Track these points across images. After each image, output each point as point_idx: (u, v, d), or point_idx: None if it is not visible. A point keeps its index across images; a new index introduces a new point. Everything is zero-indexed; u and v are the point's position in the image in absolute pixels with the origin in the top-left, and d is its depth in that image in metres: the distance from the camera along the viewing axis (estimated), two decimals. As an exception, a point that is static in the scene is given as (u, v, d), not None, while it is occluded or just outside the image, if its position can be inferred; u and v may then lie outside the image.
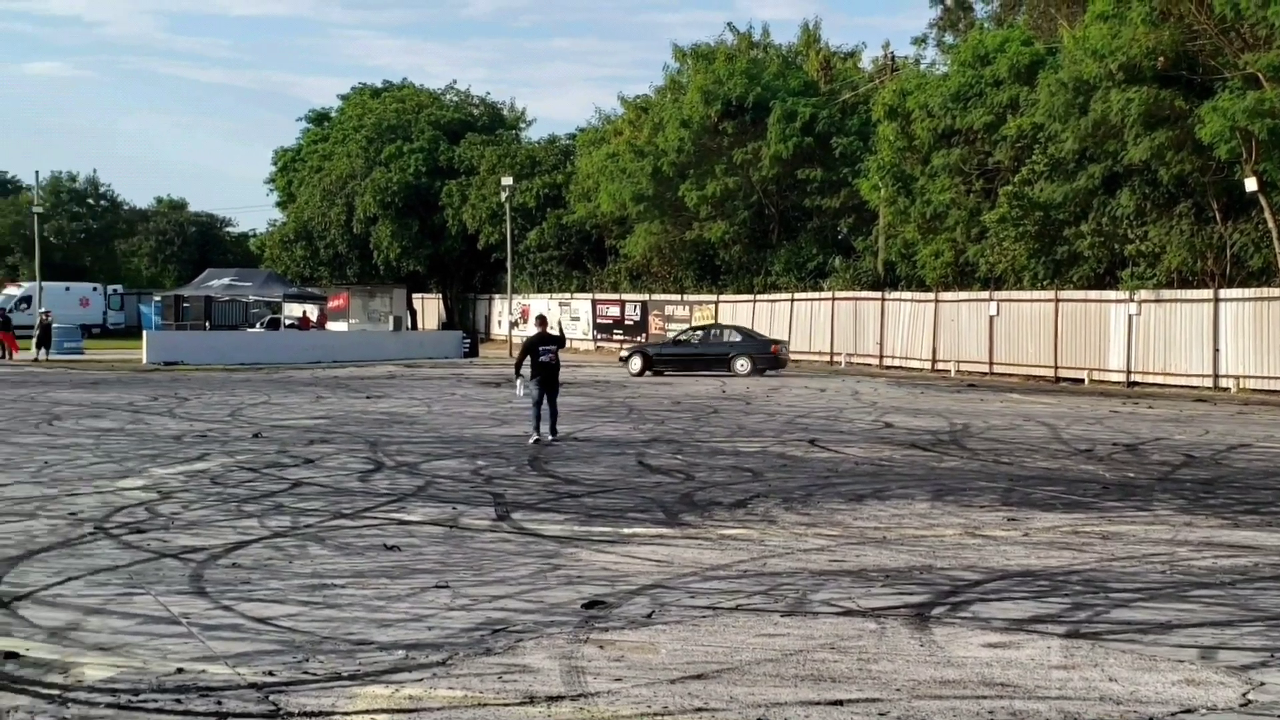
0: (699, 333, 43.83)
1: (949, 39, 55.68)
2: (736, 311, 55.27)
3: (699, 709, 7.35)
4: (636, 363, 42.16)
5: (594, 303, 64.25)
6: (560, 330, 24.37)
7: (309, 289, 68.71)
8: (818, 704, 7.46)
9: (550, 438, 22.25)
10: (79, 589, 10.43)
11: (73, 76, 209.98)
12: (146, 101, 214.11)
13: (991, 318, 43.46)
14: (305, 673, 8.05)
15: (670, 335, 47.38)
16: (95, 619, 9.43)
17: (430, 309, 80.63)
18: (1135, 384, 38.65)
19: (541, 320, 23.76)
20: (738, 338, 42.49)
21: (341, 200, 72.46)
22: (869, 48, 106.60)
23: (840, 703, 7.48)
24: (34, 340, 51.17)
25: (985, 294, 44.32)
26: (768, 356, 41.84)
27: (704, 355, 41.99)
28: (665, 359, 42.50)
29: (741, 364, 41.09)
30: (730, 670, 8.12)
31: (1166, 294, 38.37)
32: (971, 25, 53.09)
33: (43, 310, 54.76)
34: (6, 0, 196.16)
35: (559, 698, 7.53)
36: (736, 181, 55.10)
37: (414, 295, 75.78)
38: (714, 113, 54.76)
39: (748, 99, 54.23)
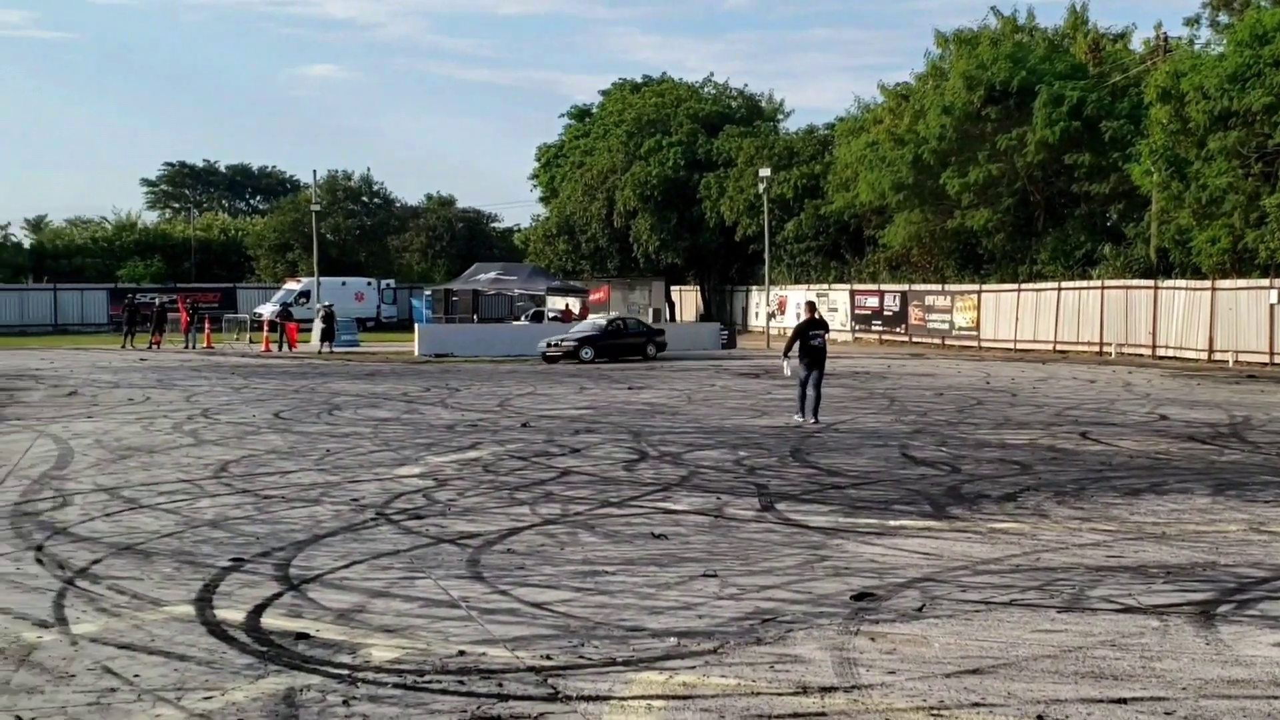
0: (615, 324, 47.92)
1: (1223, 18, 53.29)
2: (1000, 301, 54.05)
3: (976, 704, 7.22)
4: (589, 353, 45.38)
5: (852, 293, 63.67)
6: (816, 315, 25.09)
7: (571, 282, 69.96)
8: (1100, 702, 7.25)
9: (813, 422, 22.88)
10: (363, 572, 10.85)
11: (347, 78, 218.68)
12: (416, 101, 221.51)
13: (1272, 306, 41.43)
14: (581, 657, 8.20)
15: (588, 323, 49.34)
16: (379, 601, 9.79)
17: (688, 301, 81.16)
18: None
19: (811, 307, 24.99)
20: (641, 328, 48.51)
21: (602, 194, 73.53)
22: (1140, 29, 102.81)
23: (1124, 701, 7.25)
24: (318, 333, 53.35)
25: (1265, 281, 42.27)
26: (661, 342, 48.25)
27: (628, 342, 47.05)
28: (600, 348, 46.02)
29: (651, 349, 47.01)
30: (1006, 666, 7.95)
31: None
32: (1248, 4, 50.70)
33: (326, 304, 57.04)
34: (287, 5, 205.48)
35: (832, 689, 7.49)
36: (1000, 168, 53.84)
37: (672, 287, 76.41)
38: (977, 98, 53.64)
39: (1012, 83, 52.94)
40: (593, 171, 75.67)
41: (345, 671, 7.95)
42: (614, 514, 13.82)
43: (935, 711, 7.08)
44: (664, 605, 9.61)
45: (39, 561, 11.31)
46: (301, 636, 8.76)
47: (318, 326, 54.61)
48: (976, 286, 56.37)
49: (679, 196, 71.95)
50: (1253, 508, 14.11)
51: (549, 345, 45.49)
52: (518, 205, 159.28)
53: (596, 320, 49.22)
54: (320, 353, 50.70)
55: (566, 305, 64.07)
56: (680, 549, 11.83)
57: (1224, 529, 12.78)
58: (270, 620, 9.23)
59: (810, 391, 23.57)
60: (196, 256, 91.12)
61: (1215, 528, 12.86)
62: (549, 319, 62.60)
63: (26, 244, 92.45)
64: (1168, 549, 11.74)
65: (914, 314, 58.54)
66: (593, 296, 67.06)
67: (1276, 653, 8.19)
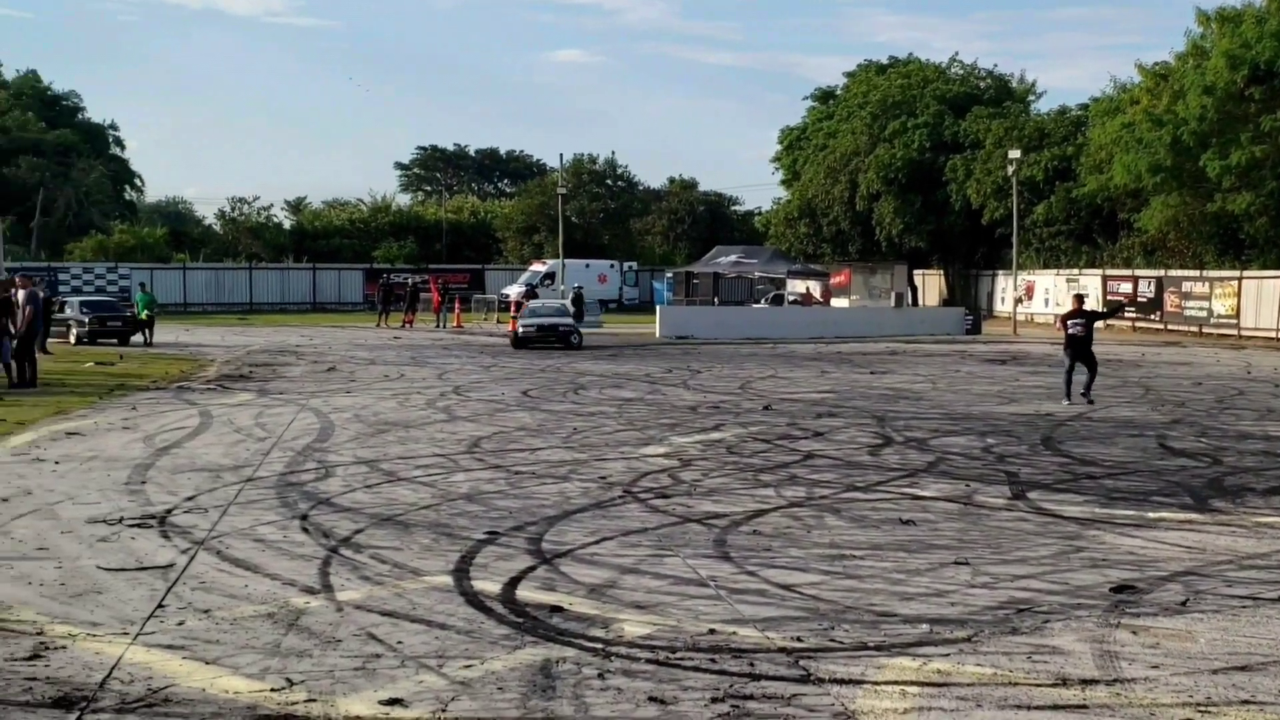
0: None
1: None
2: (1262, 289, 51.70)
3: (1245, 701, 6.94)
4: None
5: (1104, 279, 61.70)
6: (1084, 306, 26.21)
7: (811, 266, 69.62)
8: (1383, 710, 6.88)
9: (1084, 398, 24.22)
10: (613, 549, 11.01)
11: (592, 63, 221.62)
12: (660, 85, 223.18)
13: None
14: (832, 640, 8.16)
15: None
16: (630, 578, 9.92)
17: (931, 285, 79.82)
18: None
19: (1078, 299, 26.31)
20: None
21: (845, 177, 72.87)
22: None
23: None
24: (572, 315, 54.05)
25: None
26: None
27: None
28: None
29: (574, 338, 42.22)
30: (1277, 663, 7.62)
31: None
32: None
33: (575, 285, 57.81)
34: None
35: (1093, 681, 7.29)
36: (1264, 150, 51.39)
37: (914, 272, 75.26)
38: (1240, 78, 51.33)
39: (1277, 63, 50.52)
40: (836, 154, 75.04)
41: (599, 645, 8.08)
42: (860, 499, 13.73)
43: (1202, 708, 6.83)
44: (914, 591, 9.50)
45: (305, 530, 11.79)
46: (555, 610, 8.94)
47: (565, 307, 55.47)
48: (1237, 273, 54.06)
49: (924, 179, 70.80)
50: None
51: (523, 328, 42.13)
52: (759, 188, 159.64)
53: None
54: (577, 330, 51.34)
55: (807, 289, 63.83)
56: (929, 535, 11.68)
57: None
58: (525, 593, 9.44)
59: (1079, 376, 24.62)
60: (447, 238, 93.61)
61: None
62: (789, 303, 62.44)
63: (287, 225, 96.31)
64: None
65: (1170, 300, 56.48)
66: (833, 280, 66.66)
67: None
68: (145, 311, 43.17)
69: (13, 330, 25.95)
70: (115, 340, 41.35)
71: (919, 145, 70.85)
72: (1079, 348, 24.57)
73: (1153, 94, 57.67)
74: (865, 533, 11.81)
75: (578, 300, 53.82)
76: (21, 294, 27.15)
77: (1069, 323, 24.95)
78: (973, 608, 9.00)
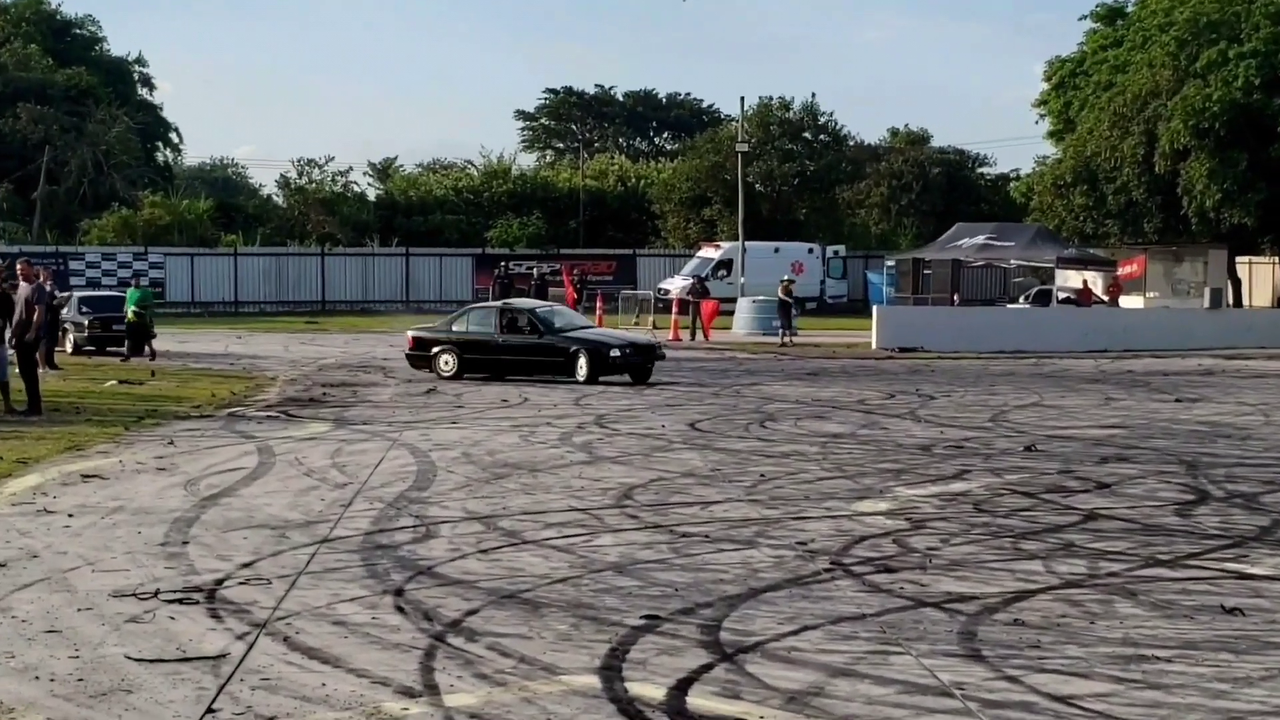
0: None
1: None
2: None
3: None
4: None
5: None
6: None
7: (1091, 250, 68.76)
8: None
9: None
10: (818, 641, 11.00)
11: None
12: (879, 4, 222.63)
13: None
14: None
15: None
16: (842, 683, 9.90)
17: (1261, 278, 78.37)
18: None
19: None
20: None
21: (1139, 128, 71.83)
22: None
23: None
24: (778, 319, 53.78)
25: None
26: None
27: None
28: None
29: (581, 365, 34.98)
30: None
31: None
32: None
33: (786, 278, 57.75)
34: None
35: None
36: None
37: (1237, 259, 73.96)
38: None
39: None
40: (1126, 95, 74.08)
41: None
42: (1164, 576, 13.55)
43: None
44: (1245, 709, 9.35)
45: (400, 610, 11.96)
46: (741, 726, 8.99)
47: (743, 305, 55.52)
48: None
49: (1252, 130, 69.49)
50: None
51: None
52: (1017, 143, 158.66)
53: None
54: (782, 343, 51.37)
55: (1085, 283, 63.08)
56: (1264, 630, 11.49)
57: None
58: (699, 700, 9.47)
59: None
60: (586, 213, 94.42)
61: None
62: (1059, 301, 61.78)
63: (372, 196, 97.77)
64: None
65: None
66: (1123, 270, 65.77)
67: None
68: (135, 312, 40.95)
69: (8, 336, 26.40)
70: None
71: (1244, 83, 69.58)
72: None
73: None
74: (1173, 625, 11.65)
75: (786, 301, 53.48)
76: (24, 288, 27.94)
77: None
78: (1328, 734, 8.82)
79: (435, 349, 36.23)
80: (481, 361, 36.09)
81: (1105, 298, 62.71)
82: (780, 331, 52.73)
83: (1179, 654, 10.73)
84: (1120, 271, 65.79)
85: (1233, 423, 27.41)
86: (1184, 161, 69.58)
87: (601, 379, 34.73)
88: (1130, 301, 63.84)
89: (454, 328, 37.13)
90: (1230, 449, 23.49)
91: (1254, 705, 9.43)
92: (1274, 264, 77.06)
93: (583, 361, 34.90)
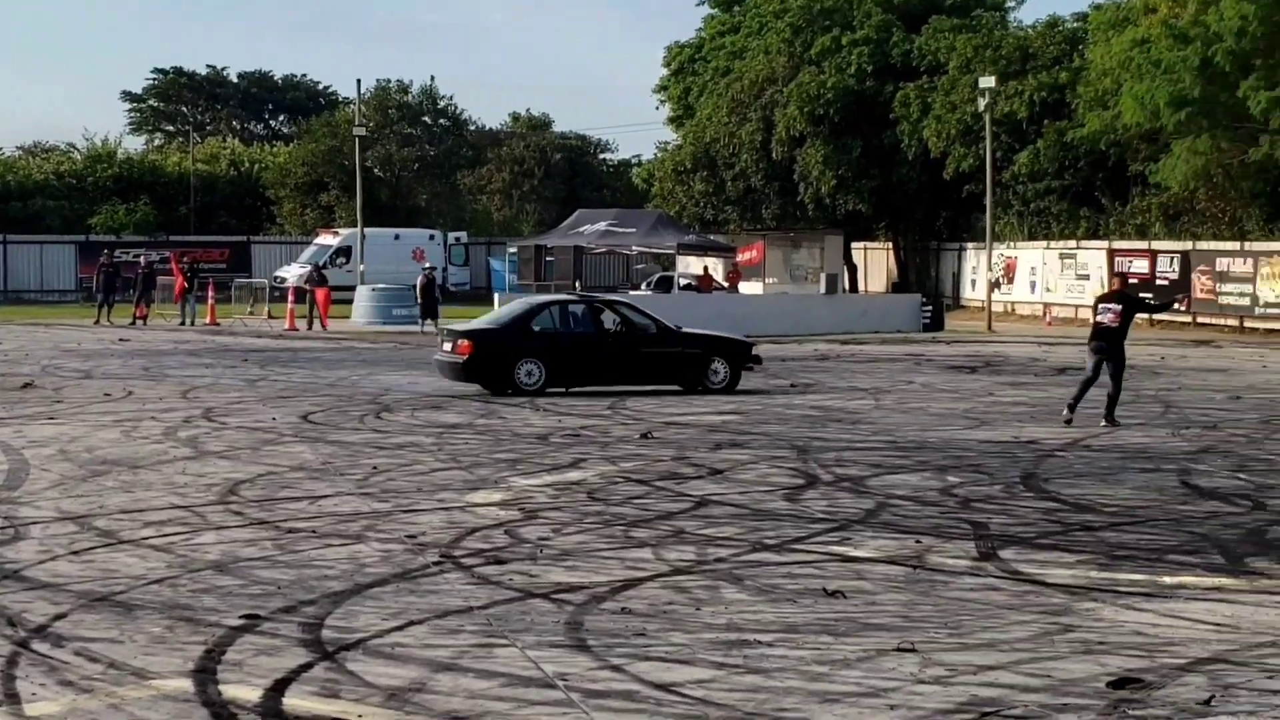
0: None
1: None
2: (1323, 266, 53.13)
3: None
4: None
5: (1110, 254, 62.84)
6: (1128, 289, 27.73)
7: (712, 237, 69.99)
8: None
9: (1103, 425, 24.71)
10: (423, 636, 10.99)
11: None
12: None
13: None
14: (724, 761, 8.23)
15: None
16: (445, 678, 9.91)
17: (876, 263, 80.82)
18: None
19: (1121, 279, 28.72)
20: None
21: (756, 114, 73.36)
22: None
23: None
24: (418, 308, 53.27)
25: None
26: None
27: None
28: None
29: (717, 369, 31.35)
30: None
31: None
32: None
33: (427, 267, 57.34)
34: None
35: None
36: (1325, 76, 52.89)
37: (854, 245, 76.11)
38: (1293, -24, 52.82)
39: (1343, -45, 52.05)
40: (744, 82, 75.57)
41: (398, 774, 8.07)
42: (770, 561, 13.85)
43: None
44: (841, 690, 9.61)
45: (-17, 615, 11.60)
46: (338, 724, 8.93)
47: (363, 294, 55.11)
48: (1291, 245, 55.44)
49: (865, 117, 71.55)
50: None
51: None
52: (638, 129, 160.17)
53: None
54: (422, 332, 51.03)
55: (705, 269, 64.21)
56: (864, 612, 11.82)
57: None
58: (296, 701, 9.39)
59: (1107, 389, 25.10)
60: (198, 199, 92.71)
61: None
62: (680, 288, 62.72)
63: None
64: None
65: (1200, 283, 57.74)
66: (742, 256, 67.11)
67: None
68: None
69: None
70: None
71: (858, 69, 71.59)
72: (1108, 343, 25.08)
73: (1175, 0, 58.87)
74: (776, 609, 11.91)
75: (428, 288, 53.12)
76: None
77: (1100, 306, 25.70)
78: (920, 711, 9.12)
79: (511, 354, 30.27)
80: (580, 370, 30.83)
81: (726, 284, 63.83)
82: (421, 321, 52.47)
83: (781, 638, 10.98)
84: (740, 258, 67.09)
85: (845, 407, 28.07)
86: (800, 148, 71.31)
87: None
88: (750, 287, 65.18)
89: (534, 327, 30.80)
90: (841, 434, 24.07)
91: (849, 687, 9.70)
92: (888, 249, 79.48)
93: (719, 365, 31.13)
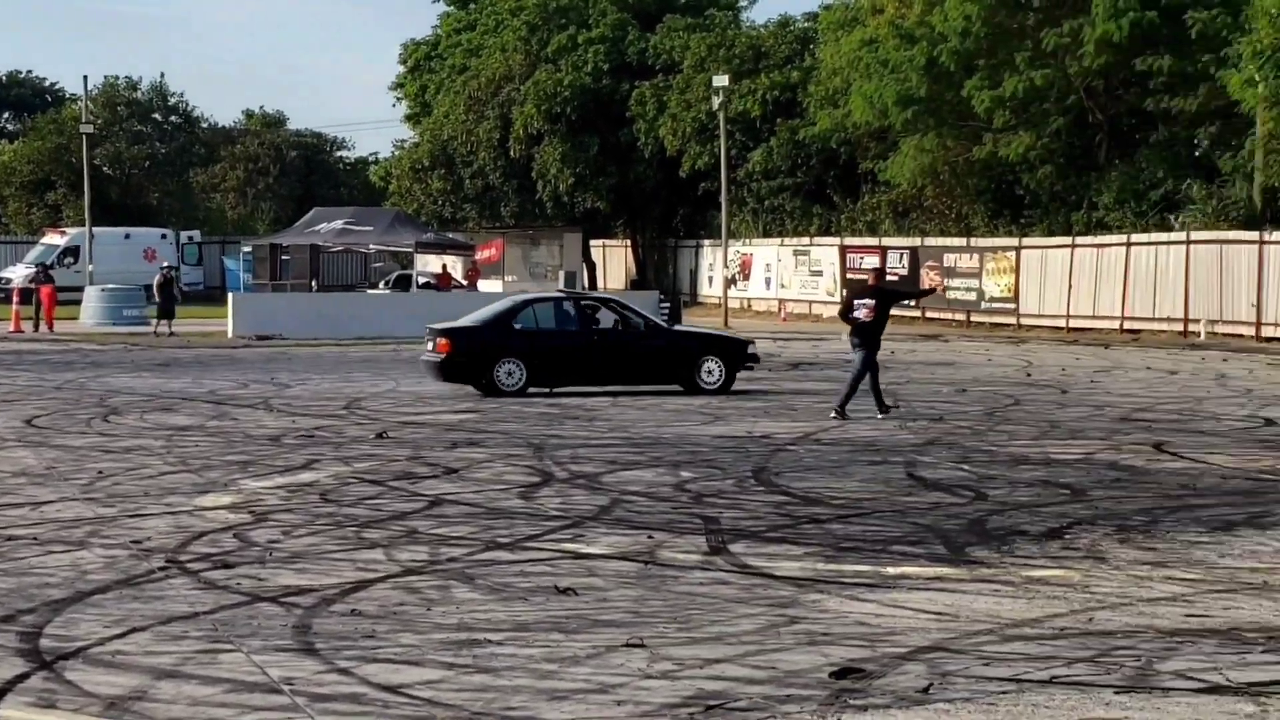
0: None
1: None
2: (1047, 261, 54.52)
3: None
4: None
5: (842, 250, 63.94)
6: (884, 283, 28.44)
7: (450, 235, 69.80)
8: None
9: (880, 415, 25.31)
10: (146, 644, 10.78)
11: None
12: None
13: None
14: (449, 762, 8.21)
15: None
16: (168, 685, 9.74)
17: (615, 261, 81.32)
18: None
19: (876, 274, 28.87)
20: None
21: (494, 112, 73.36)
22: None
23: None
24: (156, 309, 52.19)
25: None
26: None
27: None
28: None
29: (711, 369, 30.31)
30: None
31: None
32: None
33: (165, 265, 56.23)
34: None
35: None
36: (1046, 76, 54.24)
37: (593, 242, 76.46)
38: (1015, -21, 54.17)
39: (1063, -42, 53.51)
40: (480, 79, 75.51)
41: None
42: (503, 560, 13.84)
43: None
44: (569, 687, 9.62)
45: None
46: (56, 735, 8.75)
47: (91, 294, 53.99)
48: (1015, 241, 56.83)
49: (602, 115, 71.93)
50: (1388, 547, 14.35)
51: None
52: (374, 128, 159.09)
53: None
54: (157, 334, 50.06)
55: (444, 267, 63.97)
56: (595, 609, 11.85)
57: (1348, 576, 13.00)
58: (11, 712, 9.16)
59: (864, 382, 25.50)
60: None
61: (1336, 575, 13.07)
62: (419, 286, 62.42)
63: None
64: (1270, 605, 11.92)
65: (927, 278, 58.97)
66: (481, 254, 66.97)
67: None
68: None
69: None
70: None
71: (594, 68, 71.95)
72: (864, 338, 25.35)
73: (902, 0, 60.06)
74: (508, 608, 11.90)
75: (166, 286, 51.97)
76: None
77: (856, 303, 25.93)
78: (647, 706, 9.16)
79: (492, 353, 29.61)
80: (564, 370, 29.96)
81: (465, 282, 63.66)
82: (157, 321, 51.53)
83: (511, 636, 10.97)
84: (479, 256, 66.95)
85: (583, 404, 28.09)
86: (538, 146, 71.49)
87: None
88: (489, 285, 65.01)
89: (515, 325, 29.95)
90: (578, 431, 24.20)
91: (578, 684, 9.72)
92: (627, 247, 79.99)
93: (713, 365, 30.12)
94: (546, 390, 29.73)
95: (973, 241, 58.50)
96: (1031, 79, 53.99)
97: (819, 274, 64.60)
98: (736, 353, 30.74)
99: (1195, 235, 49.46)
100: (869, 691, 9.47)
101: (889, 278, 60.40)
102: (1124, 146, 56.48)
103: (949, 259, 58.55)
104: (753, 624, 11.33)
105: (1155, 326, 50.00)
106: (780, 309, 66.01)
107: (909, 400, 28.53)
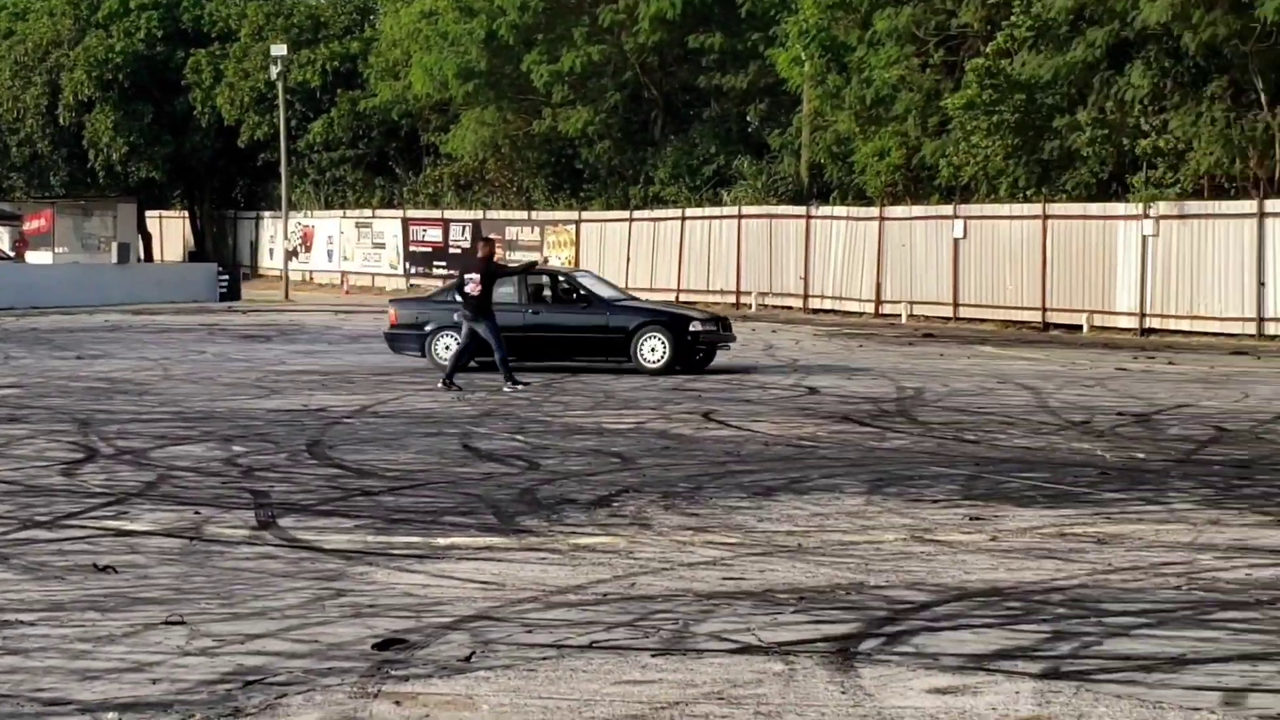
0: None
1: None
2: (606, 235, 55.38)
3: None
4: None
5: (405, 223, 63.89)
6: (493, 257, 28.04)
7: (-3, 205, 67.56)
8: (698, 776, 7.53)
9: (508, 389, 25.51)
10: None
11: None
12: None
13: (957, 241, 43.98)
14: (-28, 748, 7.95)
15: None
16: None
17: (172, 232, 79.69)
18: (1151, 331, 39.43)
19: (486, 243, 28.23)
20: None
21: (42, 78, 71.23)
22: None
23: (729, 774, 7.56)
24: None
25: (948, 209, 44.81)
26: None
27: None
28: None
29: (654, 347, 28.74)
30: (577, 732, 8.16)
31: (1194, 206, 39.09)
32: None
33: None
34: None
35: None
36: (603, 52, 55.07)
37: (149, 213, 74.80)
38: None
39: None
40: (28, 44, 73.23)
41: None
42: (41, 539, 13.42)
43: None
44: (103, 666, 9.39)
45: None
46: None
47: None
48: (575, 214, 57.57)
49: (156, 83, 70.49)
50: (916, 509, 14.92)
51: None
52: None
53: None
54: None
55: (-10, 238, 61.89)
56: (135, 586, 11.60)
57: (878, 538, 13.46)
58: None
59: (492, 353, 25.94)
60: None
61: (868, 536, 13.53)
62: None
63: None
64: (803, 567, 12.27)
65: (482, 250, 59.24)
66: (29, 226, 64.94)
67: (931, 701, 8.63)
68: None
69: None
70: None
71: (147, 34, 70.45)
72: (473, 310, 25.74)
73: (461, -28, 60.14)
74: (42, 587, 11.55)
75: None
76: None
77: (465, 278, 26.42)
78: (183, 684, 9.00)
79: (430, 327, 28.72)
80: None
81: (12, 254, 61.78)
82: None
83: (44, 616, 10.64)
84: (27, 226, 64.89)
85: (133, 378, 27.65)
86: (89, 114, 69.74)
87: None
88: (38, 257, 63.04)
89: (456, 297, 27.01)
90: (127, 405, 23.71)
91: (113, 663, 9.46)
92: (184, 218, 78.57)
93: (656, 343, 28.24)
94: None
95: (534, 215, 59.07)
96: (589, 54, 54.76)
97: (381, 246, 64.41)
98: (682, 328, 28.81)
99: (746, 210, 50.86)
100: (411, 662, 9.47)
101: (451, 250, 60.87)
102: (679, 122, 57.71)
103: (511, 232, 58.97)
104: (298, 598, 11.22)
105: (710, 299, 51.18)
106: (343, 281, 65.61)
107: (469, 375, 28.64)
